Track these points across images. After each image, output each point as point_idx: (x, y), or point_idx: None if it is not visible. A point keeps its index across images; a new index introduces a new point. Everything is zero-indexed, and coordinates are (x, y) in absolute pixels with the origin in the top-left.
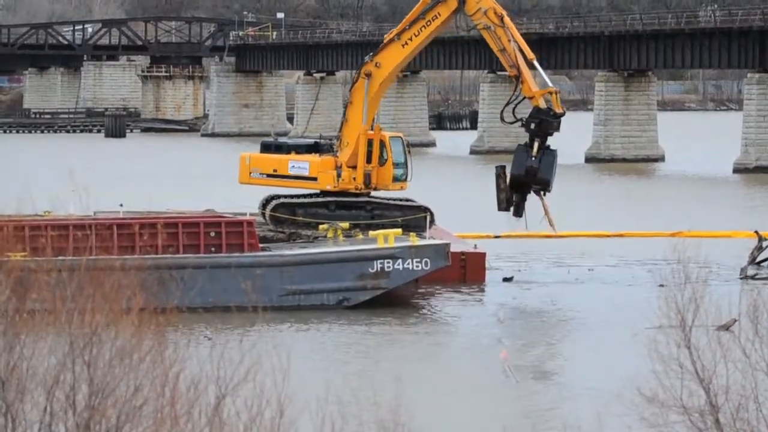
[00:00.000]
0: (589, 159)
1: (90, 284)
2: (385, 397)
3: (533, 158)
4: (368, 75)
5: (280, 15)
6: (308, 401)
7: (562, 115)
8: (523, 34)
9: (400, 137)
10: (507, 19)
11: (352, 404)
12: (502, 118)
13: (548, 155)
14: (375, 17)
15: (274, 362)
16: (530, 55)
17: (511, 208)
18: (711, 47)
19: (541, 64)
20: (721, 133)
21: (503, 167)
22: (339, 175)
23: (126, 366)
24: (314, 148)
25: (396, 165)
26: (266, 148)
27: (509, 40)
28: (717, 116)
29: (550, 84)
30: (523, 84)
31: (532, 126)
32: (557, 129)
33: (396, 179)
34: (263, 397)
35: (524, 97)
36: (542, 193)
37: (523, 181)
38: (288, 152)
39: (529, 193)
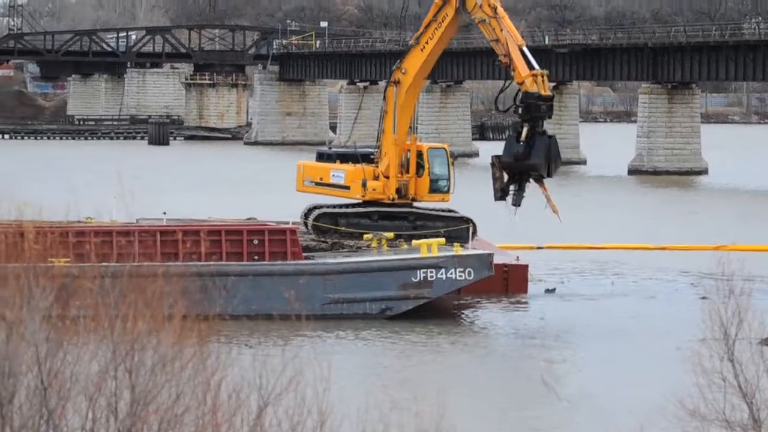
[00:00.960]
0: (632, 171)
1: (133, 291)
2: (426, 407)
3: (521, 143)
4: (397, 82)
5: (324, 24)
6: (349, 411)
7: (550, 97)
8: (566, 45)
9: (444, 148)
10: (500, 9)
11: (394, 414)
12: (496, 107)
13: (540, 140)
14: (418, 27)
15: (316, 371)
16: (520, 41)
17: (509, 198)
18: (755, 60)
19: (584, 76)
20: (765, 146)
21: (499, 156)
22: (364, 185)
23: (168, 373)
24: (363, 158)
25: (437, 176)
26: (320, 156)
27: (501, 30)
28: (761, 129)
29: (536, 67)
30: (514, 71)
31: (520, 111)
32: (546, 112)
33: (436, 191)
34: (305, 406)
35: (519, 89)
36: (542, 180)
37: (513, 168)
38: (334, 161)
39: (528, 181)
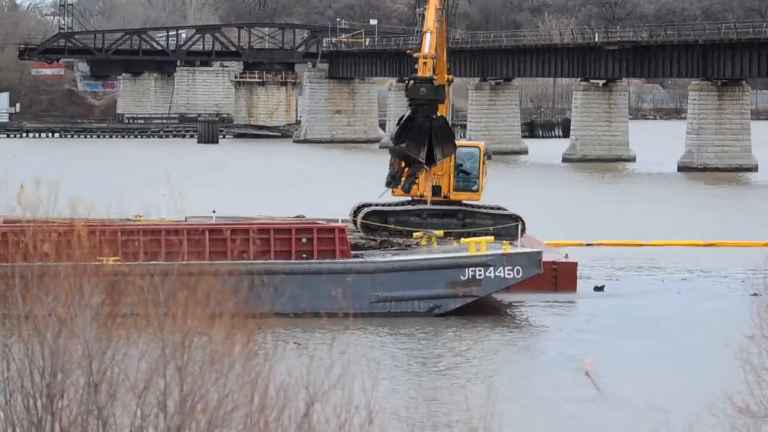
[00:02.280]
0: (682, 168)
1: (182, 289)
2: (475, 405)
3: (397, 126)
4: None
5: (373, 22)
6: (398, 408)
7: (428, 79)
8: (616, 42)
9: (478, 147)
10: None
11: (442, 412)
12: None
13: (418, 124)
14: (467, 25)
15: (364, 369)
16: (428, 26)
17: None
18: None
19: (634, 73)
20: None
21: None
22: (389, 183)
23: (217, 371)
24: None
25: (465, 175)
26: None
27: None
28: None
29: (426, 51)
30: None
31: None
32: (426, 95)
33: (463, 189)
34: (353, 403)
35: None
36: (421, 165)
37: (393, 153)
38: None
39: (417, 166)
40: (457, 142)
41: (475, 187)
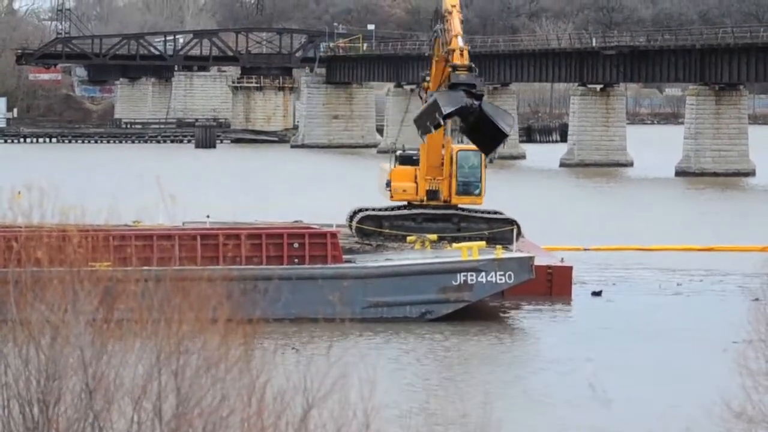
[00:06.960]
0: (680, 173)
1: (176, 294)
2: (471, 409)
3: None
4: (427, 89)
5: (371, 27)
6: (395, 413)
7: (467, 66)
8: (614, 47)
9: (480, 151)
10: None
11: (439, 416)
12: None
13: (486, 108)
14: (465, 30)
15: (361, 373)
16: (456, 30)
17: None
18: None
19: (632, 78)
20: None
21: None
22: (387, 186)
23: (213, 376)
24: (407, 160)
25: (466, 179)
26: None
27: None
28: None
29: (461, 44)
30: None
31: None
32: (467, 80)
33: (465, 193)
34: (350, 408)
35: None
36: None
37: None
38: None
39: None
40: (459, 146)
41: (477, 191)
